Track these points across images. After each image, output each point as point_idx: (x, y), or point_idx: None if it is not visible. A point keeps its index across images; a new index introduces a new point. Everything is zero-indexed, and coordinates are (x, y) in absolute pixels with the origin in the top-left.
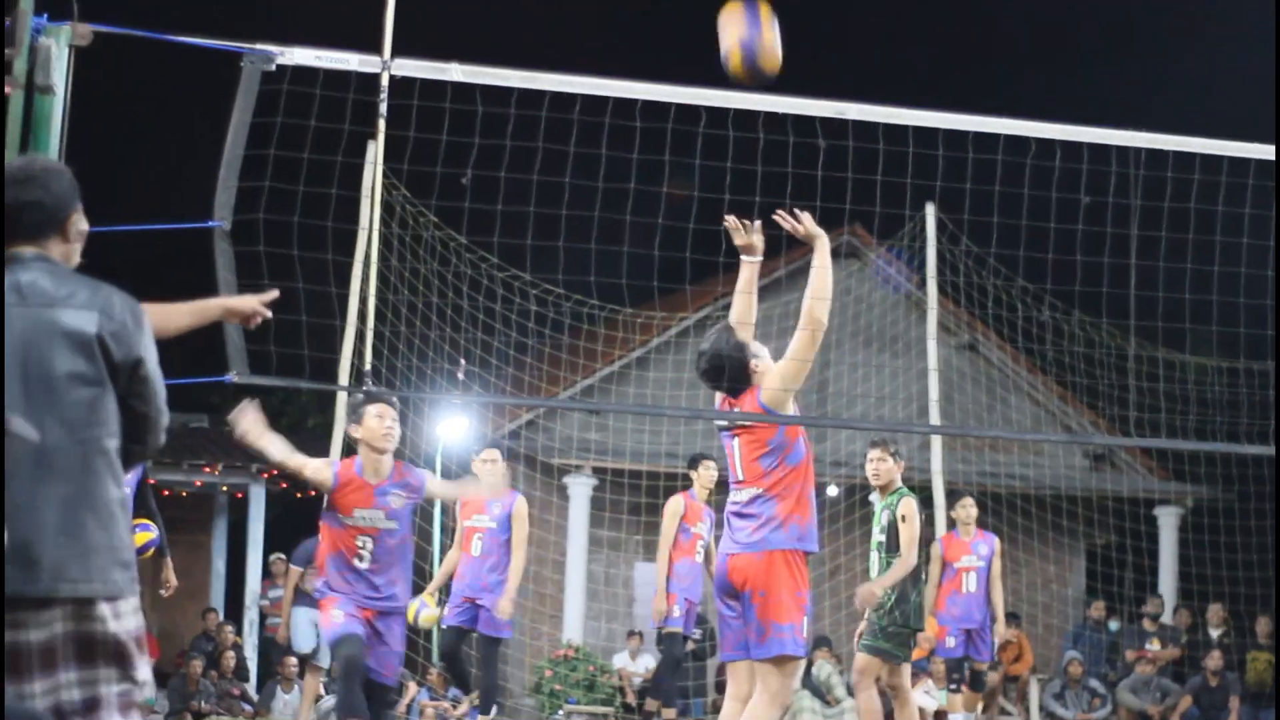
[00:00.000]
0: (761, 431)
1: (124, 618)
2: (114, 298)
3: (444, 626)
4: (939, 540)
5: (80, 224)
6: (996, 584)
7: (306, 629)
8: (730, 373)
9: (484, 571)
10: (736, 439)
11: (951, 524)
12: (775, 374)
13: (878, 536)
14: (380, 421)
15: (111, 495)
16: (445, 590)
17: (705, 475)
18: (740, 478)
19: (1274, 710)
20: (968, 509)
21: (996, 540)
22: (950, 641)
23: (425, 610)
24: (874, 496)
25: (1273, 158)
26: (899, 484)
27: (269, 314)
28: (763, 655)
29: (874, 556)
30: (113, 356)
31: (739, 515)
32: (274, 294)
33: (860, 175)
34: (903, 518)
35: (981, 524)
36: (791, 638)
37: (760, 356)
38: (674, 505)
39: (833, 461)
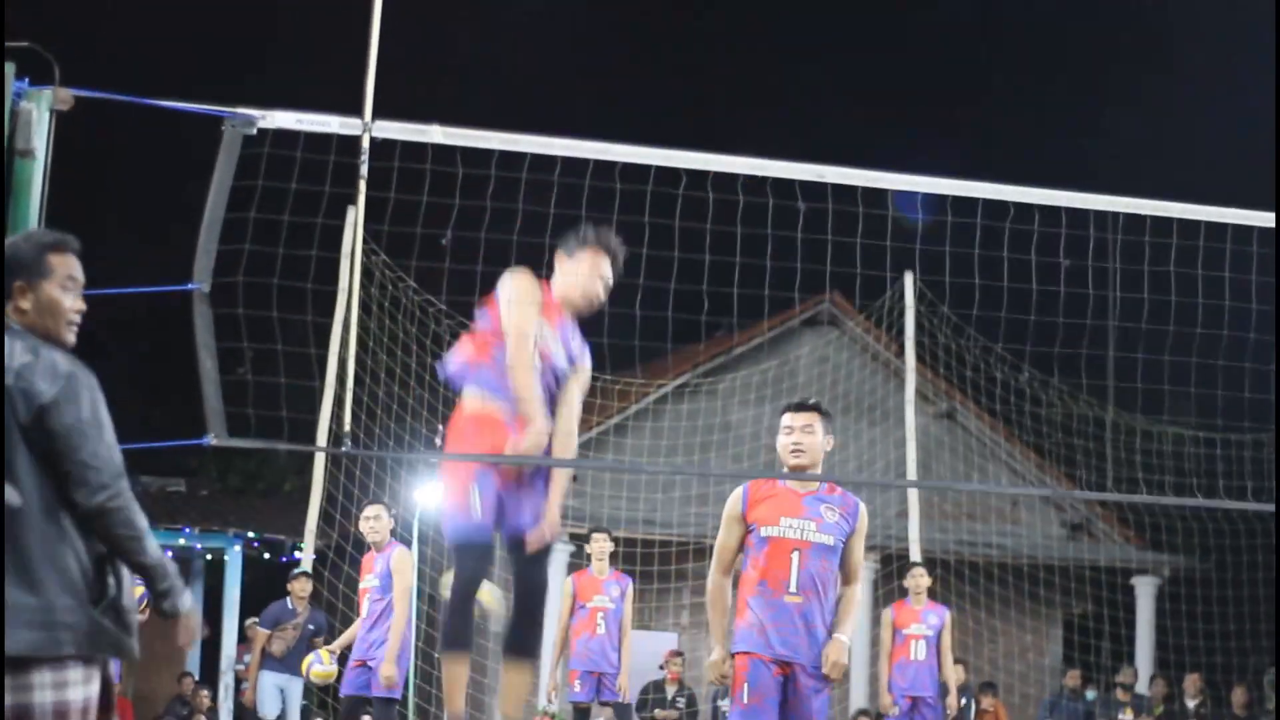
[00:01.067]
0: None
1: (68, 687)
2: (19, 351)
3: (342, 695)
4: (890, 608)
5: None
6: (947, 655)
7: (272, 693)
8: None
9: (367, 633)
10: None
11: (904, 592)
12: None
13: None
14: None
15: (36, 552)
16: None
17: (597, 547)
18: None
19: None
20: (918, 578)
21: (947, 612)
22: (895, 710)
23: (317, 665)
24: None
25: (1246, 222)
26: None
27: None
28: None
29: None
30: (17, 411)
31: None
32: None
33: (839, 238)
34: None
35: (959, 593)
36: None
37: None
38: (565, 586)
39: None
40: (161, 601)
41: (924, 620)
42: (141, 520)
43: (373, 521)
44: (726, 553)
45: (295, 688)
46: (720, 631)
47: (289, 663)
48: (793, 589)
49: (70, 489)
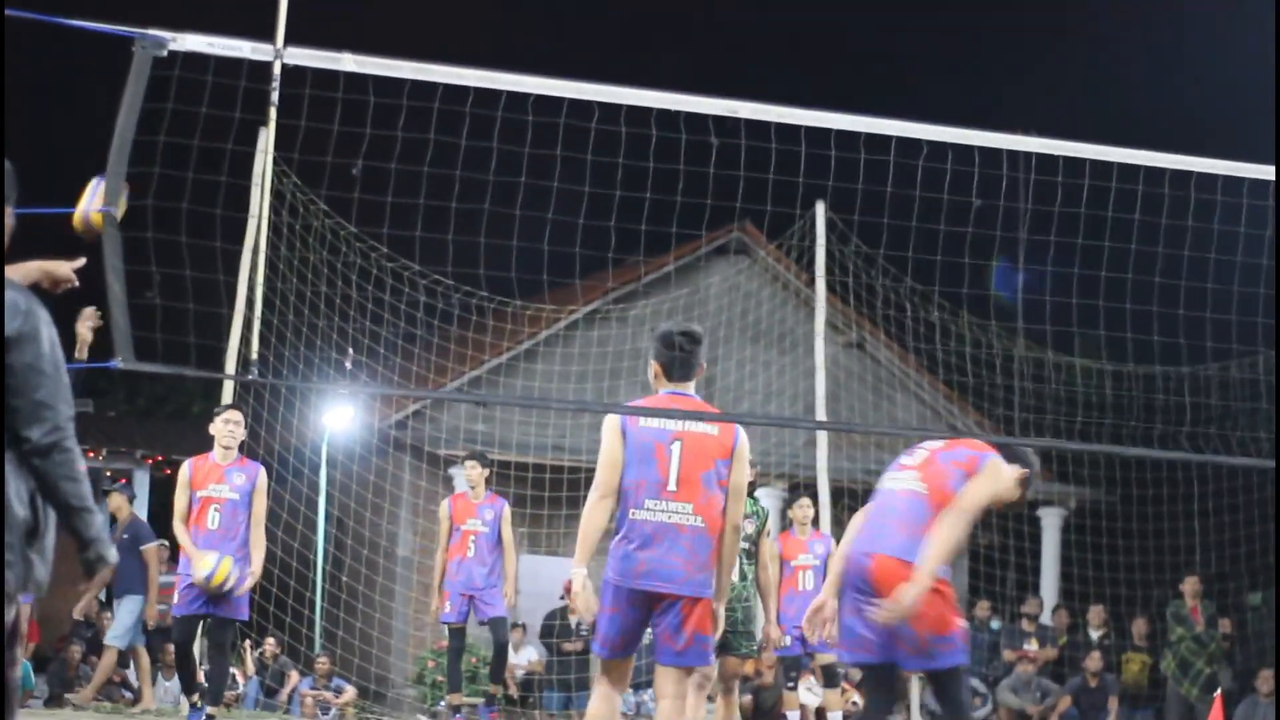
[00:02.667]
0: (711, 449)
1: None
2: None
3: (176, 616)
4: (776, 539)
5: None
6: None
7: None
8: (698, 357)
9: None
10: (679, 442)
11: (790, 523)
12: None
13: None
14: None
15: None
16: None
17: (471, 473)
18: (672, 487)
19: (1150, 711)
20: (805, 509)
21: (833, 541)
22: (786, 640)
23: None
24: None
25: (1156, 164)
26: None
27: (77, 281)
28: (684, 663)
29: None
30: None
31: (667, 536)
32: (80, 261)
33: (752, 174)
34: (768, 532)
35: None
36: (711, 650)
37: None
38: (441, 510)
39: None
40: (87, 550)
41: (811, 550)
42: (83, 465)
43: (234, 426)
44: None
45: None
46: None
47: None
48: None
49: (21, 426)
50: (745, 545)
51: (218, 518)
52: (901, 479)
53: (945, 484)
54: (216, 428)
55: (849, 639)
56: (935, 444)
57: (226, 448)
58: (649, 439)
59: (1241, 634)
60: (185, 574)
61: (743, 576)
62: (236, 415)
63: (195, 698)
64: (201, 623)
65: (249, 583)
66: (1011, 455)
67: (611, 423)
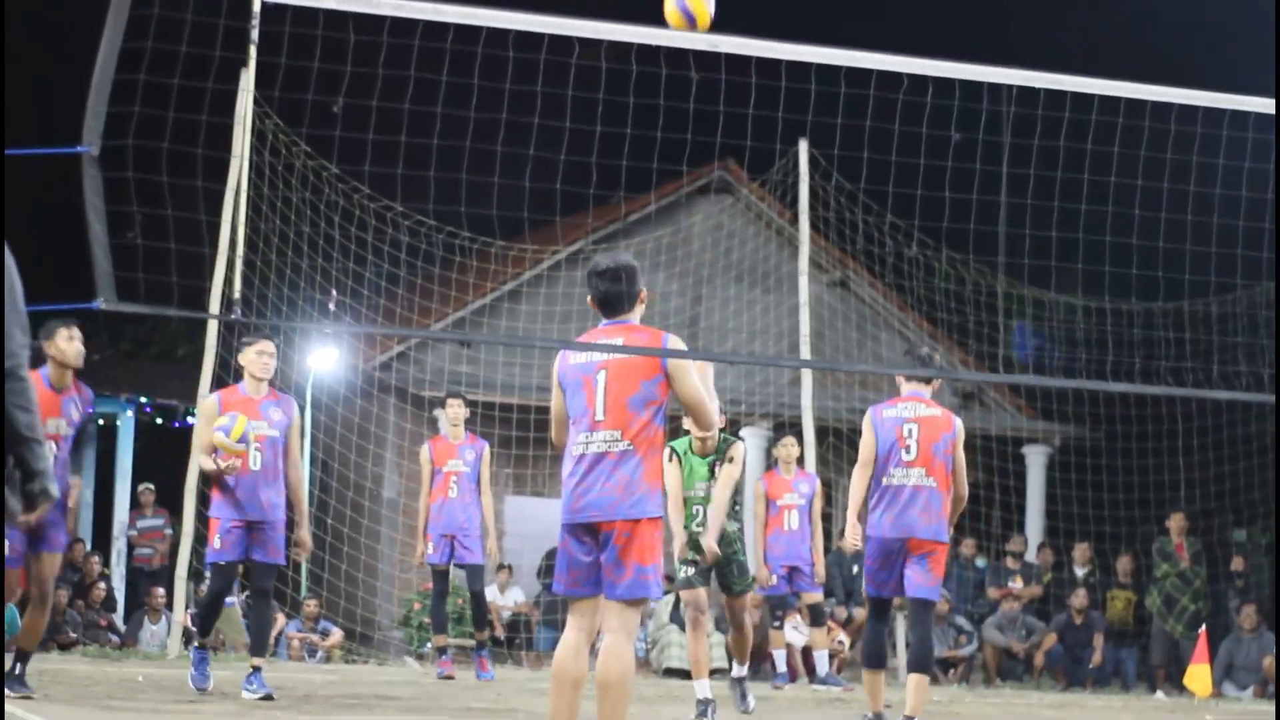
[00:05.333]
0: (635, 369)
1: None
2: None
3: (215, 564)
4: (761, 479)
5: None
6: (818, 524)
7: None
8: (625, 288)
9: (262, 488)
10: (603, 371)
11: (775, 462)
12: (692, 369)
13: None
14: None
15: None
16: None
17: (453, 413)
18: (599, 417)
19: (1134, 648)
20: (789, 447)
21: (818, 480)
22: (773, 580)
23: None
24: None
25: (1139, 96)
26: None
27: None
28: (626, 596)
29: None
30: None
31: (598, 464)
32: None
33: (732, 109)
34: (730, 459)
35: (851, 461)
36: (655, 580)
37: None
38: (423, 453)
39: None
40: (32, 481)
41: (796, 489)
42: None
43: (266, 358)
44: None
45: None
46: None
47: None
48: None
49: None
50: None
51: (259, 456)
52: None
53: None
54: (248, 359)
55: None
56: None
57: (260, 379)
58: (576, 375)
59: (1226, 570)
60: (224, 517)
61: (732, 515)
62: (269, 346)
63: (256, 660)
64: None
65: (305, 550)
66: None
67: (554, 371)
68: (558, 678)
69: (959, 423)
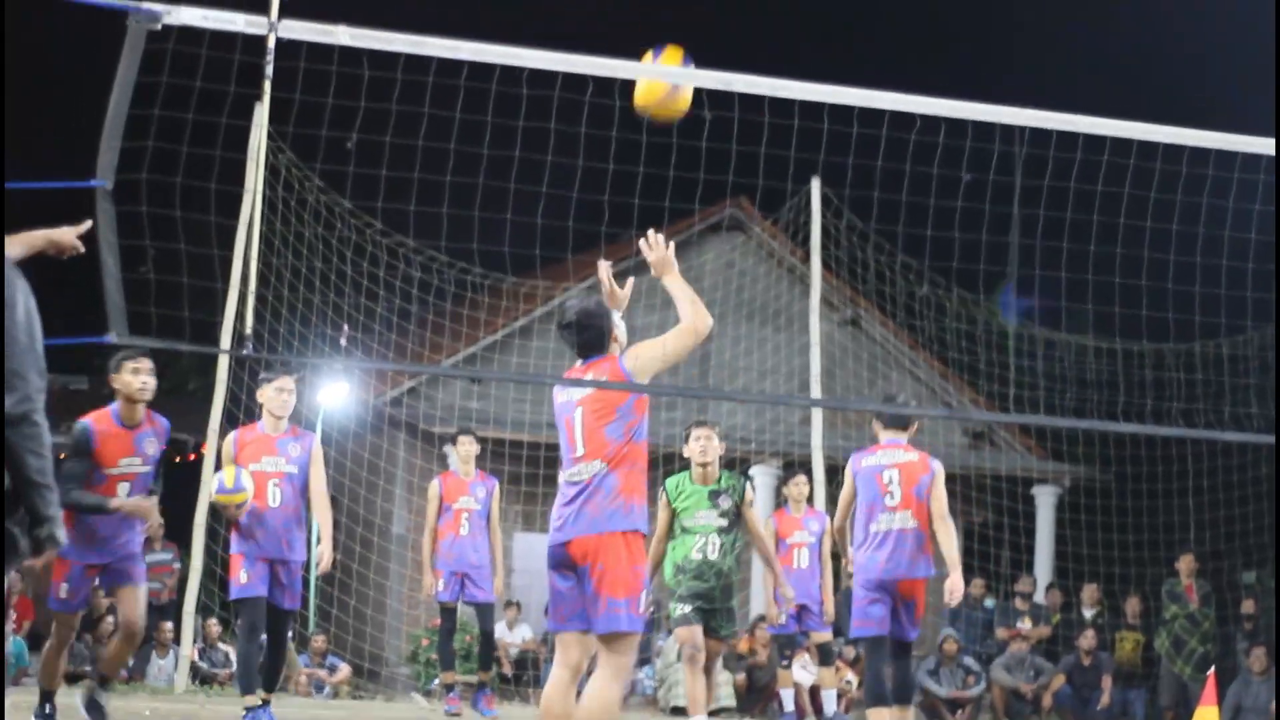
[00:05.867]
0: (610, 398)
1: None
2: None
3: (241, 599)
4: (771, 517)
5: None
6: (828, 563)
7: None
8: (593, 334)
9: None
10: (580, 408)
11: (785, 501)
12: (645, 347)
13: (717, 520)
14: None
15: None
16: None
17: (464, 450)
18: (580, 452)
19: (1143, 690)
20: (800, 485)
21: (828, 518)
22: (782, 619)
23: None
24: (754, 470)
25: (1147, 138)
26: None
27: (82, 248)
28: (602, 630)
29: (714, 540)
30: None
31: (578, 492)
32: (86, 225)
33: (745, 147)
34: (750, 502)
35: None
36: (627, 614)
37: (620, 328)
38: (431, 489)
39: None
40: (40, 527)
41: (806, 528)
42: (49, 440)
43: (286, 395)
44: None
45: None
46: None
47: None
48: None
49: None
50: (722, 521)
51: (278, 493)
52: None
53: None
54: (267, 396)
55: None
56: None
57: (278, 417)
58: (560, 417)
59: (1235, 612)
60: (247, 553)
61: (723, 554)
62: (289, 383)
63: (263, 694)
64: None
65: (325, 563)
66: None
67: None
68: (544, 715)
69: (936, 464)
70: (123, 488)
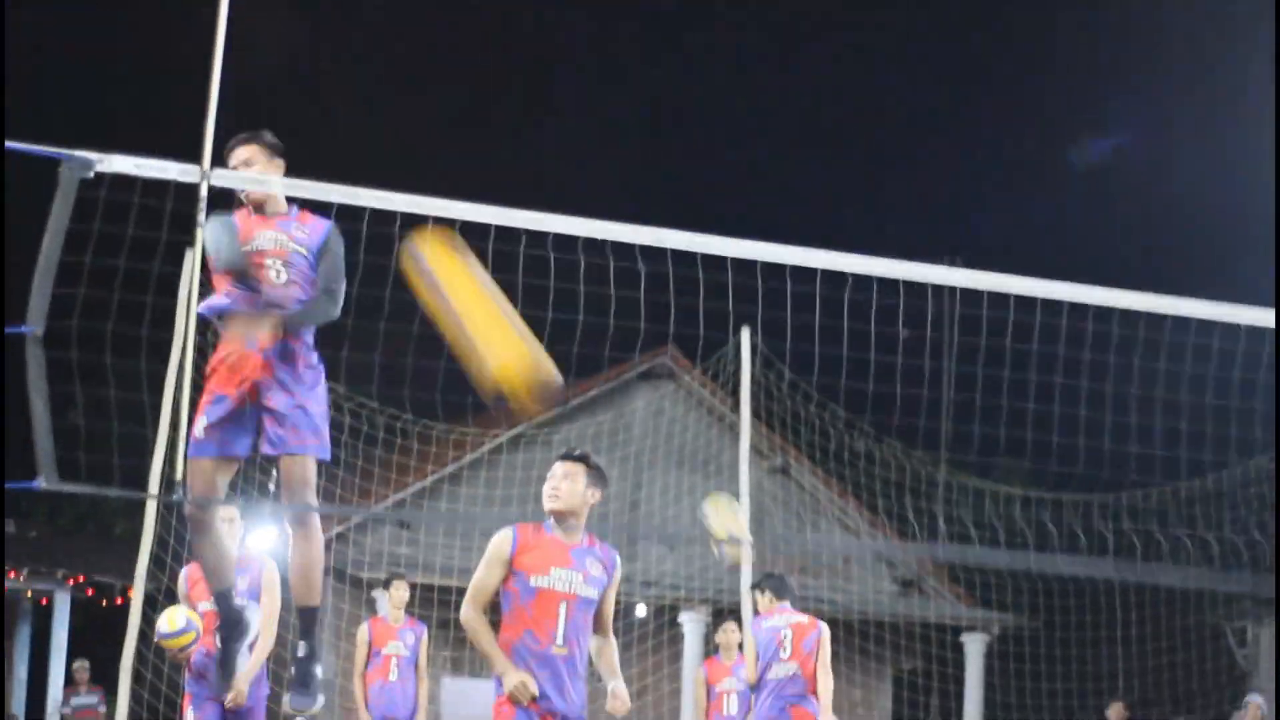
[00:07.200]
0: None
1: None
2: None
3: None
4: (703, 665)
5: None
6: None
7: None
8: None
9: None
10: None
11: (715, 648)
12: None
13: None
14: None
15: None
16: None
17: (396, 595)
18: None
19: None
20: (730, 633)
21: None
22: None
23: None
24: (683, 617)
25: (1087, 300)
26: None
27: None
28: None
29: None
30: None
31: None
32: None
33: (678, 299)
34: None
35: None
36: None
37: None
38: (360, 634)
39: (642, 581)
40: None
41: (736, 674)
42: None
43: (228, 524)
44: (485, 594)
45: None
46: (499, 653)
47: None
48: (559, 641)
49: None
50: None
51: None
52: None
53: None
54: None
55: None
56: None
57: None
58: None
59: None
60: (196, 693)
61: None
62: (232, 511)
63: None
64: None
65: (231, 697)
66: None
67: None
68: None
69: (823, 625)
70: None
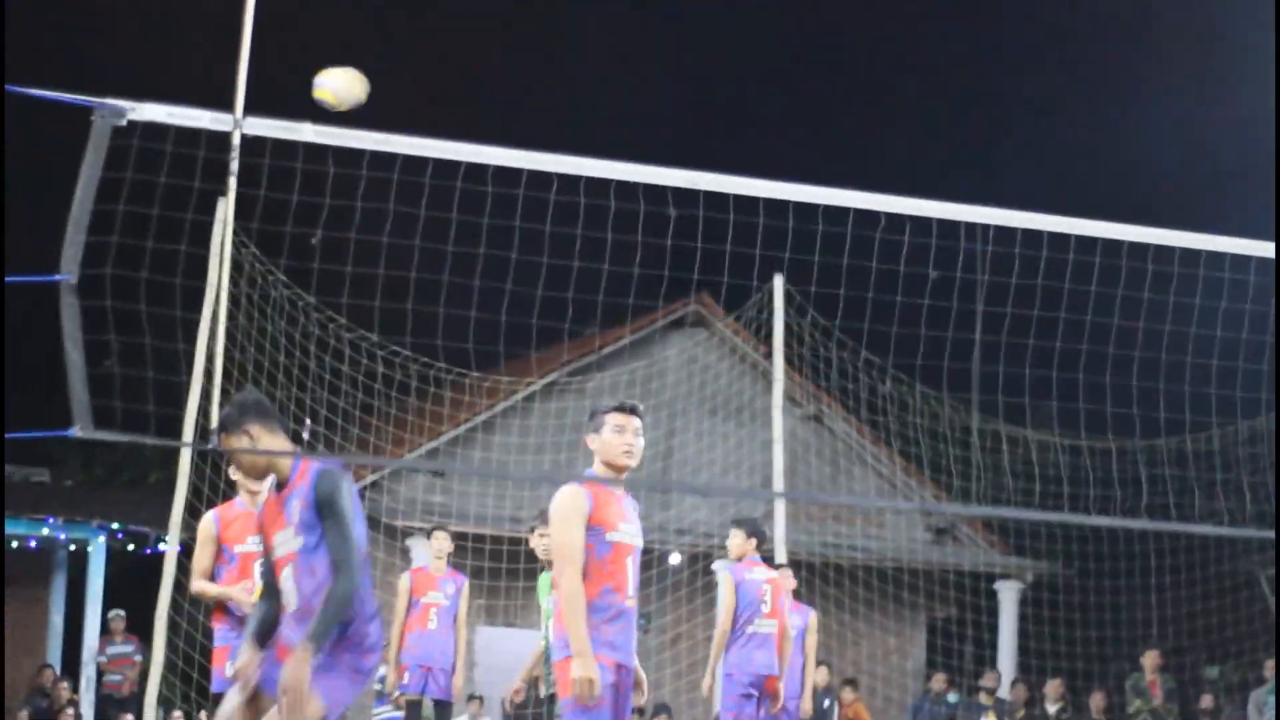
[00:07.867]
0: None
1: None
2: None
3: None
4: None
5: None
6: (810, 657)
7: None
8: None
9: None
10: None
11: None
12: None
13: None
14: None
15: None
16: None
17: (438, 545)
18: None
19: None
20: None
21: (812, 613)
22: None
23: None
24: (717, 565)
25: (1116, 236)
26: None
27: None
28: None
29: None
30: None
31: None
32: None
33: (709, 245)
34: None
35: (824, 595)
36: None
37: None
38: (401, 583)
39: (676, 529)
40: None
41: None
42: None
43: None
44: (581, 555)
45: None
46: (586, 637)
47: None
48: (630, 593)
49: None
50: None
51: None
52: None
53: None
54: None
55: None
56: None
57: (254, 492)
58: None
59: (1199, 708)
60: (235, 644)
61: None
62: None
63: None
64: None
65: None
66: None
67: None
68: None
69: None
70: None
